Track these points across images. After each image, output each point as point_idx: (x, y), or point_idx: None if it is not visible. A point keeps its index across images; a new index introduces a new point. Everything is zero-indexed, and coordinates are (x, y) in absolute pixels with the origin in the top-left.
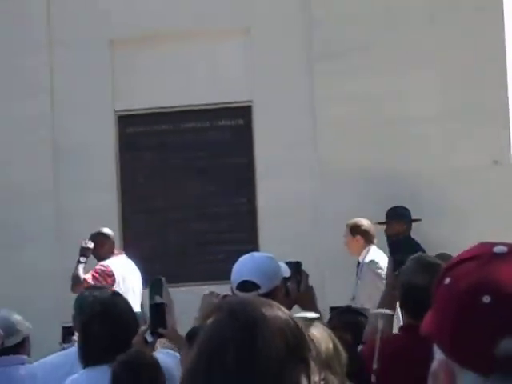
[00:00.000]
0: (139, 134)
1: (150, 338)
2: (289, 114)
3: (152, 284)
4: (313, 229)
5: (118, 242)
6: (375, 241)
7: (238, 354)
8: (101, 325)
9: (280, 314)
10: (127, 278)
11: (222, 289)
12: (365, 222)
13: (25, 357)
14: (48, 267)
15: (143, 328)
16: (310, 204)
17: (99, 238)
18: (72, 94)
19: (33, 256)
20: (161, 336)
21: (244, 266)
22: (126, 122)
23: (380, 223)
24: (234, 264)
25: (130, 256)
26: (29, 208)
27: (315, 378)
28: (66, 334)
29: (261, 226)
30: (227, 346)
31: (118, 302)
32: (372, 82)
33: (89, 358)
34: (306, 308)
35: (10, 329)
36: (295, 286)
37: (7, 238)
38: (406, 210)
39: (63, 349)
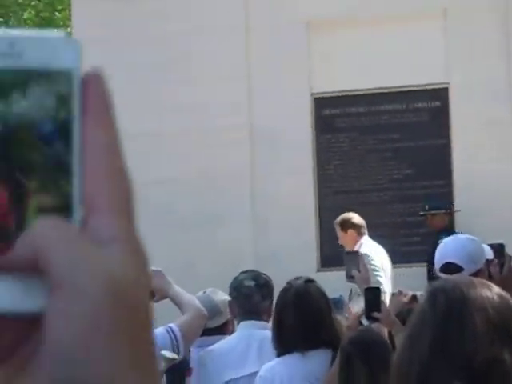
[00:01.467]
0: (335, 116)
1: (365, 322)
2: (485, 96)
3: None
4: None
5: (313, 225)
6: (366, 231)
7: (435, 338)
8: (295, 313)
9: (484, 292)
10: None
11: (417, 271)
12: (353, 215)
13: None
14: (244, 250)
15: (358, 312)
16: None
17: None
18: (268, 78)
19: (229, 239)
20: (376, 320)
21: (448, 248)
22: (323, 104)
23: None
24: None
25: None
26: (225, 192)
27: None
28: None
29: (457, 207)
30: (425, 331)
31: (311, 289)
32: None
33: (283, 346)
34: (509, 291)
35: (214, 310)
36: (498, 269)
37: (205, 220)
38: None
39: None
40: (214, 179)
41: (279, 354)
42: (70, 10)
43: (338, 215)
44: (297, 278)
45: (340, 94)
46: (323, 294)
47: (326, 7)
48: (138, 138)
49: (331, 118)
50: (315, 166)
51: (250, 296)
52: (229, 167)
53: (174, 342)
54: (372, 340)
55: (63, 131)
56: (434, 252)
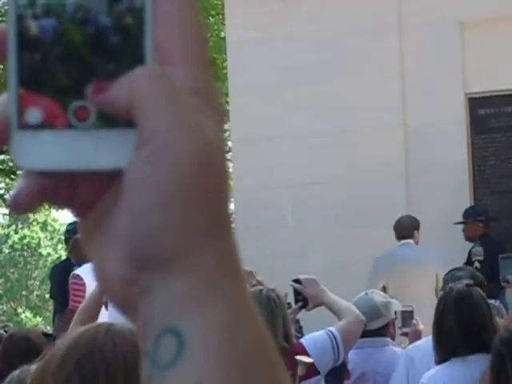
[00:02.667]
0: (490, 116)
1: None
2: None
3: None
4: None
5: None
6: None
7: None
8: (456, 317)
9: None
10: None
11: None
12: None
13: (387, 339)
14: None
15: None
16: None
17: None
18: (423, 77)
19: (379, 238)
20: None
21: None
22: (477, 103)
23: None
24: None
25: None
26: (381, 189)
27: None
28: (407, 317)
29: None
30: None
31: (473, 292)
32: None
33: (444, 350)
34: None
35: (374, 311)
36: None
37: (357, 218)
38: None
39: (402, 334)
40: (368, 178)
41: (439, 361)
42: (223, 15)
43: (494, 213)
44: (458, 282)
45: (495, 94)
46: (484, 298)
47: (479, 6)
48: (296, 138)
49: (486, 117)
50: (471, 167)
51: None
52: (383, 166)
53: (335, 345)
54: None
55: None
56: None
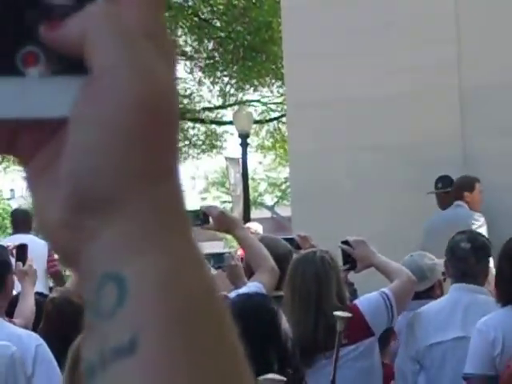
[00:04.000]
0: None
1: None
2: None
3: None
4: None
5: None
6: None
7: None
8: (510, 266)
9: None
10: None
11: None
12: None
13: None
14: None
15: None
16: None
17: None
18: (479, 40)
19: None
20: None
21: None
22: None
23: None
24: None
25: None
26: (437, 153)
27: None
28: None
29: None
30: None
31: None
32: None
33: (502, 296)
34: None
35: (420, 274)
36: None
37: (412, 186)
38: None
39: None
40: (424, 142)
41: (502, 306)
42: None
43: None
44: None
45: None
46: None
47: None
48: (352, 102)
49: None
50: None
51: (465, 258)
52: (441, 128)
53: (389, 306)
54: None
55: None
56: None
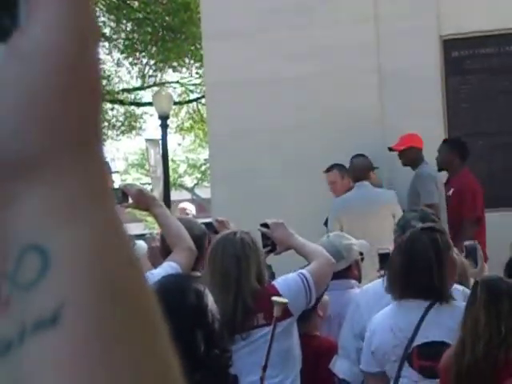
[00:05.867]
0: (464, 58)
1: None
2: None
3: None
4: None
5: None
6: None
7: None
8: (402, 261)
9: None
10: None
11: None
12: None
13: (352, 281)
14: None
15: None
16: None
17: None
18: (397, 20)
19: None
20: None
21: None
22: (452, 45)
23: None
24: None
25: None
26: (359, 134)
27: None
28: (383, 260)
29: None
30: None
31: (423, 236)
32: None
33: (393, 294)
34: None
35: (337, 254)
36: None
37: (330, 164)
38: None
39: (380, 276)
40: (343, 121)
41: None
42: None
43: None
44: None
45: (469, 36)
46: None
47: None
48: (270, 82)
49: (460, 59)
50: (445, 109)
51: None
52: (361, 108)
53: (307, 287)
54: None
55: None
56: None
